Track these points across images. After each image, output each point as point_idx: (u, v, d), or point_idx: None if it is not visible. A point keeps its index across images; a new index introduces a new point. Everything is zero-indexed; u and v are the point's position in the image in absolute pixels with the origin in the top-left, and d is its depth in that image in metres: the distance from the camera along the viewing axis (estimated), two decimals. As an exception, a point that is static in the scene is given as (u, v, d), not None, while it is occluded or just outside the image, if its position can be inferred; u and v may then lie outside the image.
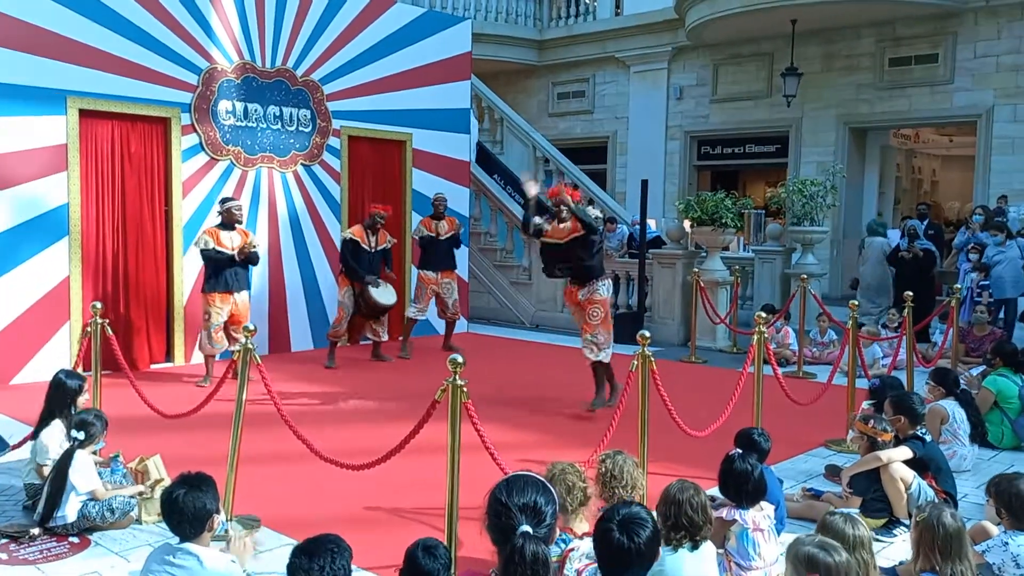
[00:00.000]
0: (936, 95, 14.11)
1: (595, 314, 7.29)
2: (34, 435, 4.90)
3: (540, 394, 8.16)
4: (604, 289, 7.35)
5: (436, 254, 9.79)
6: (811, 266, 11.31)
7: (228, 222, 8.05)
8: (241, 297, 8.13)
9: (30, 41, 7.97)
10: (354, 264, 9.03)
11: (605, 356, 7.30)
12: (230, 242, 8.00)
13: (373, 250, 9.16)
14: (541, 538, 2.47)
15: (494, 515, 2.50)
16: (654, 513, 2.61)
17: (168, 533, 4.41)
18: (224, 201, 8.17)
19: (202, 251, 7.97)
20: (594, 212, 8.05)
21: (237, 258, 7.99)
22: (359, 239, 9.08)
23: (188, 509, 3.11)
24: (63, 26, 8.16)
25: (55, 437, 4.74)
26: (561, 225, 7.31)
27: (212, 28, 9.23)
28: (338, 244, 10.16)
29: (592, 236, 7.18)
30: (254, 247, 8.18)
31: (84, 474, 4.42)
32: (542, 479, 2.68)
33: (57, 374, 5.02)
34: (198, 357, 9.22)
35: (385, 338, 9.57)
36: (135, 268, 8.81)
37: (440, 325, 10.51)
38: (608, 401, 7.32)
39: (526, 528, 2.40)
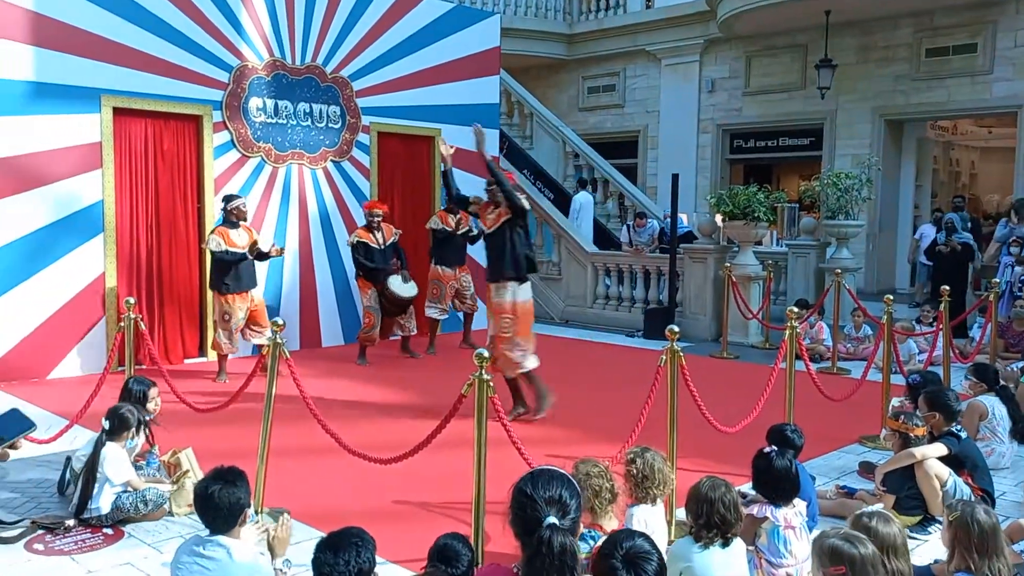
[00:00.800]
0: (975, 86, 13.83)
1: (504, 326, 6.47)
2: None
3: (567, 389, 8.11)
4: (511, 294, 6.49)
5: (452, 249, 9.75)
6: (846, 261, 11.14)
7: (236, 219, 8.03)
8: (256, 294, 8.19)
9: (65, 41, 8.09)
10: (369, 263, 9.00)
11: (530, 364, 6.59)
12: (239, 240, 7.99)
13: (383, 246, 9.11)
14: (568, 530, 2.43)
15: (519, 507, 2.46)
16: (657, 543, 2.52)
17: (199, 525, 4.49)
18: (230, 199, 8.14)
19: (214, 252, 7.91)
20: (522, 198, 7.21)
21: (249, 255, 7.99)
22: (366, 239, 9.06)
23: (223, 503, 3.13)
24: (97, 25, 8.27)
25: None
26: (491, 213, 6.64)
27: (243, 26, 9.30)
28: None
29: (521, 221, 6.53)
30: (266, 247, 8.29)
31: (117, 466, 4.48)
32: (567, 473, 2.65)
33: (126, 380, 5.13)
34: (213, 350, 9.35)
35: (414, 331, 9.51)
36: (168, 264, 8.91)
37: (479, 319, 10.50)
38: (528, 410, 6.71)
39: (553, 520, 2.36)
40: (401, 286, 9.05)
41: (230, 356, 8.19)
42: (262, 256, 8.16)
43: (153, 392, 5.04)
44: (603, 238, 13.50)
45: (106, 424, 4.53)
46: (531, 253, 6.76)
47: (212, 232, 8.04)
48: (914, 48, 14.34)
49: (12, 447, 1.53)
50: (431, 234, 9.91)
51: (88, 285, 8.37)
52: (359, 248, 9.05)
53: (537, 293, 13.09)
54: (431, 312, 9.79)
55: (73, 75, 8.14)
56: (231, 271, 7.92)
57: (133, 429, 4.67)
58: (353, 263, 9.29)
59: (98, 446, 4.51)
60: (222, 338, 8.08)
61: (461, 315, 10.29)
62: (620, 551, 2.41)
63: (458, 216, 9.65)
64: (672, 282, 11.44)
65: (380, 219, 9.17)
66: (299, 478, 5.30)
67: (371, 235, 9.10)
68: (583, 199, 13.57)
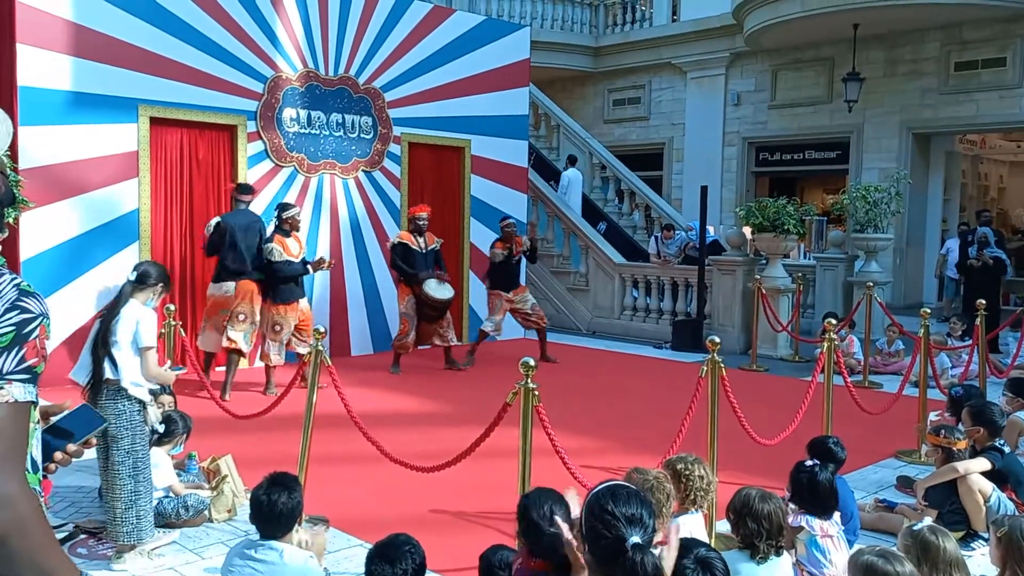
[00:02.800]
0: (1004, 100, 13.74)
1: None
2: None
3: (600, 400, 8.13)
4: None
5: (507, 274, 9.71)
6: (875, 274, 11.08)
7: (289, 229, 8.00)
8: (303, 304, 8.18)
9: (104, 51, 8.21)
10: (405, 265, 8.91)
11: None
12: (294, 249, 7.98)
13: (423, 250, 9.02)
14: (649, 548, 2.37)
15: (602, 525, 2.24)
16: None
17: (239, 531, 4.52)
18: (285, 207, 8.12)
19: (274, 263, 7.79)
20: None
21: (311, 270, 8.01)
22: (408, 241, 8.98)
23: (284, 510, 3.16)
24: (135, 36, 8.39)
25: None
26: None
27: (277, 37, 9.41)
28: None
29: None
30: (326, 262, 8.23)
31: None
32: (639, 490, 2.63)
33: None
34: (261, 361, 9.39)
35: (454, 341, 9.35)
36: (202, 272, 8.99)
37: (509, 330, 10.52)
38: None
39: (636, 539, 2.17)
40: (436, 288, 8.92)
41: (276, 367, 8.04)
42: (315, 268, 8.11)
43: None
44: (630, 249, 13.49)
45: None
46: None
47: (270, 241, 7.91)
48: (942, 61, 14.27)
49: (86, 444, 1.56)
50: (491, 264, 9.84)
51: (123, 292, 8.45)
52: (397, 248, 8.97)
53: (565, 304, 13.17)
54: (485, 325, 9.76)
55: (111, 85, 8.26)
56: (281, 280, 7.85)
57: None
58: (391, 265, 9.21)
59: (119, 302, 4.23)
60: (271, 348, 7.93)
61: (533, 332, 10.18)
62: (691, 556, 2.46)
63: (509, 245, 9.66)
64: (701, 294, 11.41)
65: (425, 222, 9.07)
66: (339, 486, 5.33)
67: (413, 238, 9.01)
68: (572, 175, 13.87)
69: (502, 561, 2.99)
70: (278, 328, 7.90)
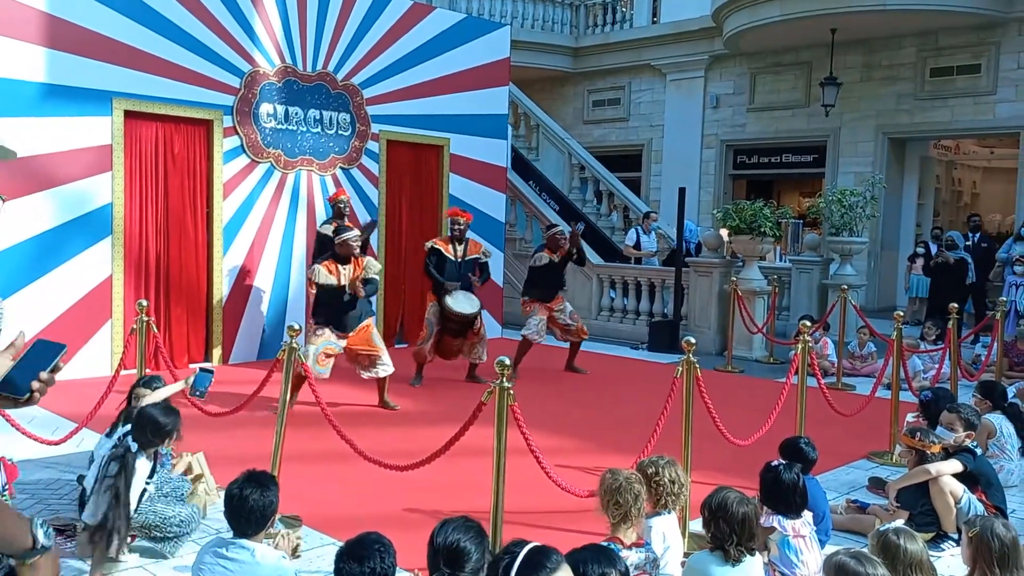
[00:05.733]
0: (978, 106, 13.92)
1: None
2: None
3: (576, 400, 8.13)
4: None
5: (549, 283, 9.10)
6: (850, 277, 11.18)
7: (343, 255, 7.14)
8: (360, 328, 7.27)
9: (78, 43, 8.11)
10: (434, 273, 8.20)
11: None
12: (344, 280, 7.10)
13: (458, 259, 8.30)
14: None
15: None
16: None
17: (211, 529, 4.46)
18: (339, 231, 7.35)
19: (317, 284, 7.12)
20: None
21: (349, 292, 7.09)
22: (441, 247, 8.30)
23: (257, 508, 3.12)
24: (110, 29, 8.29)
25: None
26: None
27: (255, 32, 9.33)
28: (376, 247, 10.23)
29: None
30: (366, 277, 7.21)
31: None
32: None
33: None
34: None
35: (483, 359, 8.43)
36: (176, 268, 8.91)
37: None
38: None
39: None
40: (456, 301, 8.09)
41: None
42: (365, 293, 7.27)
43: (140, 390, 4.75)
44: (608, 250, 13.52)
45: (133, 445, 4.00)
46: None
47: (318, 264, 7.28)
48: (918, 68, 14.43)
49: (55, 371, 1.67)
50: (531, 269, 9.28)
51: (95, 287, 8.36)
52: (431, 254, 8.29)
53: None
54: (528, 331, 9.01)
55: (85, 77, 8.16)
56: (322, 304, 7.16)
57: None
58: (423, 270, 8.46)
59: (125, 461, 3.92)
60: (307, 358, 6.88)
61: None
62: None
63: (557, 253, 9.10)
64: (678, 295, 11.45)
65: (462, 229, 8.38)
66: (312, 484, 5.28)
67: (449, 246, 8.34)
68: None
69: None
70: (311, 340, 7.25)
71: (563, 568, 2.24)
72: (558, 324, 9.24)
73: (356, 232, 7.35)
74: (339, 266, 7.12)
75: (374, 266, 7.31)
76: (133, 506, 3.87)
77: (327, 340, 7.08)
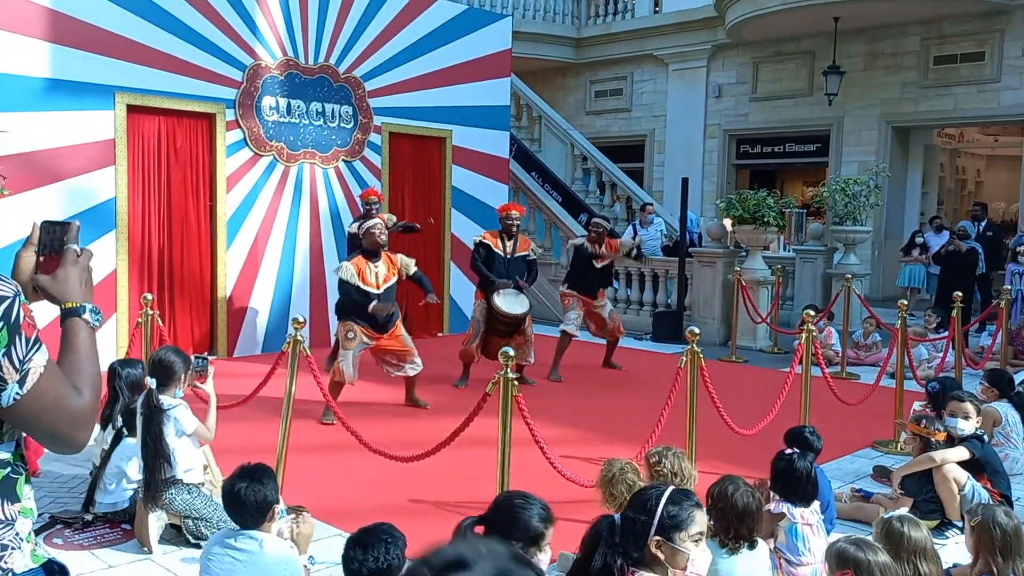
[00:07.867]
0: (982, 94, 13.86)
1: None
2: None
3: (580, 390, 8.14)
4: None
5: (588, 277, 8.77)
6: (854, 266, 11.17)
7: (371, 248, 6.77)
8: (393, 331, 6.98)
9: (80, 37, 8.10)
10: (483, 269, 7.81)
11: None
12: (375, 278, 6.72)
13: (508, 255, 7.90)
14: None
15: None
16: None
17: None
18: (365, 219, 7.09)
19: (341, 281, 6.71)
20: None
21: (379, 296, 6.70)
22: (491, 243, 7.89)
23: (250, 501, 3.14)
24: (112, 23, 8.28)
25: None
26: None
27: (257, 25, 9.32)
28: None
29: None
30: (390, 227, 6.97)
31: (187, 420, 4.30)
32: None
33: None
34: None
35: (531, 361, 8.00)
36: (180, 261, 8.92)
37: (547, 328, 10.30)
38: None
39: None
40: (504, 301, 7.68)
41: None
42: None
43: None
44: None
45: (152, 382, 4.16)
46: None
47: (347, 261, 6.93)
48: (922, 56, 14.37)
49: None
50: (570, 256, 8.97)
51: (100, 282, 8.34)
52: (479, 249, 7.91)
53: (546, 295, 13.16)
54: (567, 325, 8.70)
55: (87, 72, 8.16)
56: (350, 303, 6.76)
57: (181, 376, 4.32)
58: (471, 266, 8.14)
59: (149, 412, 4.09)
60: (341, 364, 6.76)
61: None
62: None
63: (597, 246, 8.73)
64: (681, 286, 11.45)
65: (516, 224, 7.98)
66: (318, 475, 5.31)
67: (499, 240, 7.93)
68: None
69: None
70: (346, 339, 6.93)
71: (701, 508, 2.54)
72: (595, 319, 8.99)
73: (379, 221, 6.95)
74: (369, 262, 6.73)
75: (410, 264, 7.03)
76: (171, 455, 4.09)
77: (361, 343, 6.77)
